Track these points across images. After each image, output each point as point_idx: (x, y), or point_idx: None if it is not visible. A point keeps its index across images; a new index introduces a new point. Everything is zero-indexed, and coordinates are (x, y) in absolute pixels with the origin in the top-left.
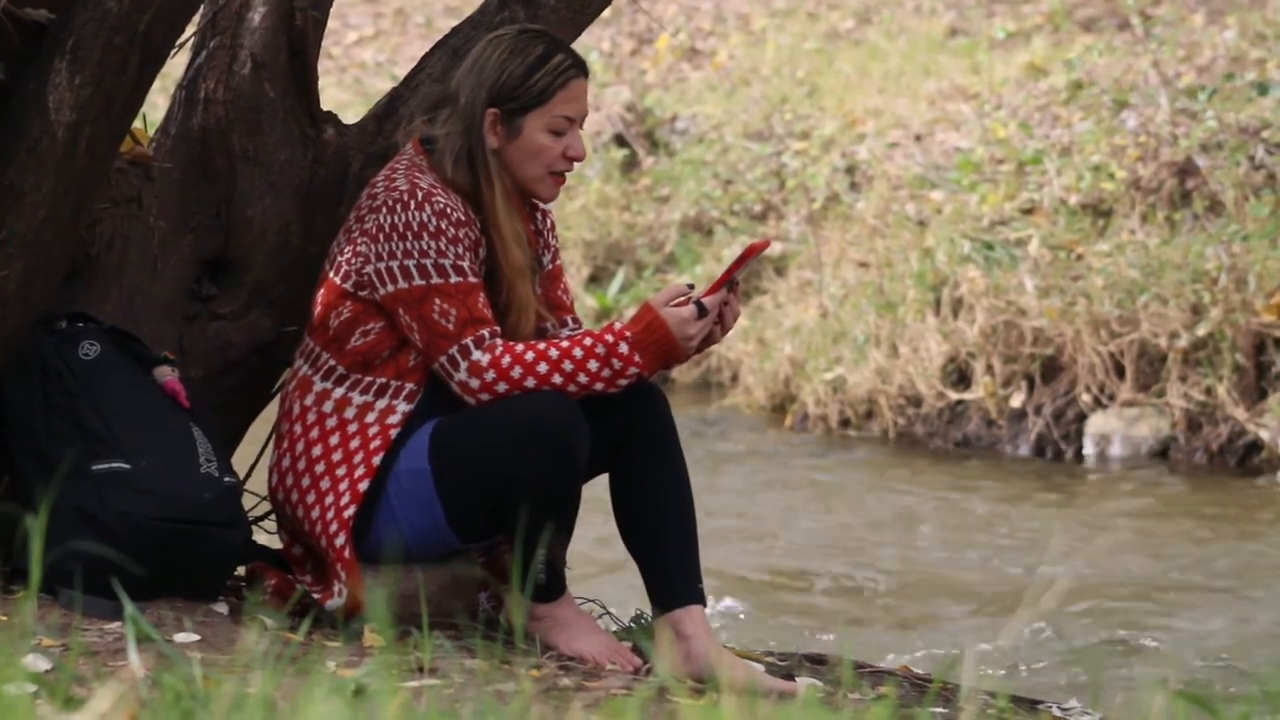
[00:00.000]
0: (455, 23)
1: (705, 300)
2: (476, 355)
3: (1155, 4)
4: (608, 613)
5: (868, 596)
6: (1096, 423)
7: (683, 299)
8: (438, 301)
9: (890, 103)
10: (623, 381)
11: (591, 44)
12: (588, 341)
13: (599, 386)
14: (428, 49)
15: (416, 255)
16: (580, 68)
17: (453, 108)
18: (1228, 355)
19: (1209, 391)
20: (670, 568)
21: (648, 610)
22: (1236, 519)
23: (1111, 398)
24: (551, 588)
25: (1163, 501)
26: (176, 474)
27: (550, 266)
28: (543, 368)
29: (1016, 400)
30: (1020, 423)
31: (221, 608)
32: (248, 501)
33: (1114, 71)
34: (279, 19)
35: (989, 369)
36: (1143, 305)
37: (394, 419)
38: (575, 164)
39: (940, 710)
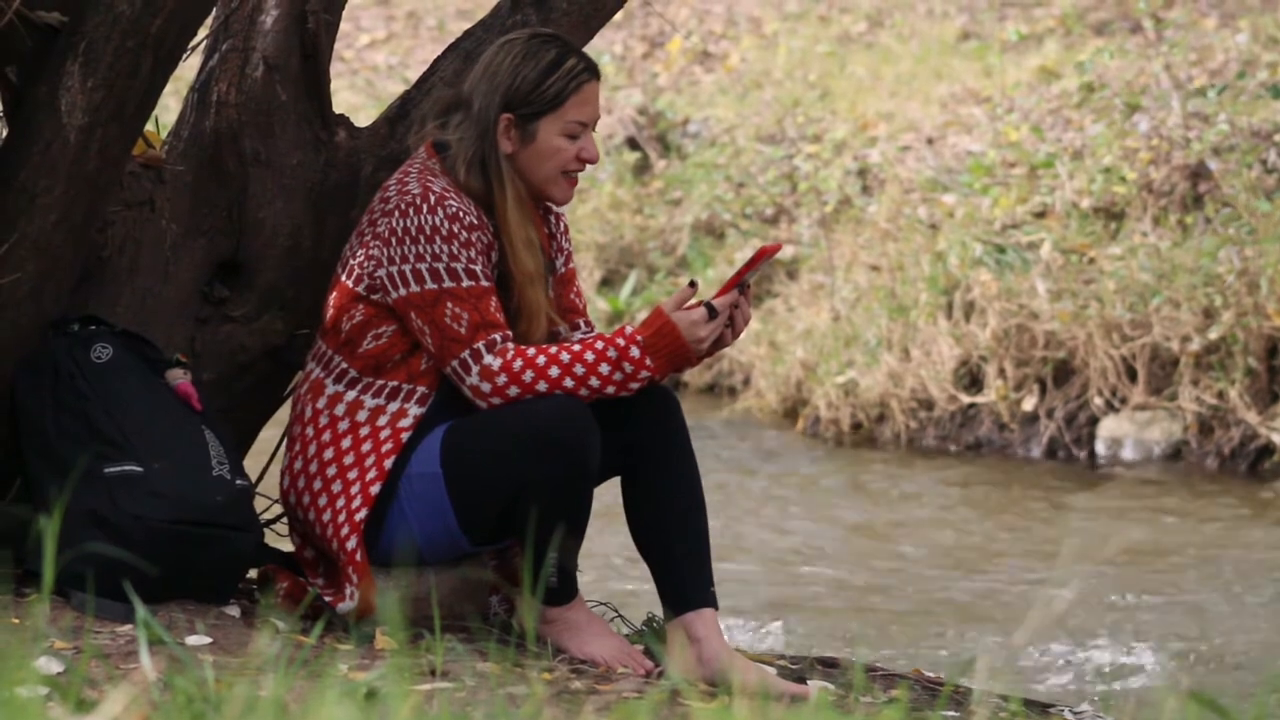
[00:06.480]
0: (467, 26)
1: (716, 302)
2: (488, 359)
3: (1167, 7)
4: (619, 616)
5: (880, 599)
6: (1108, 426)
7: (695, 302)
8: (450, 305)
9: (902, 106)
10: (634, 385)
11: (603, 47)
12: (599, 345)
13: (610, 390)
14: (440, 52)
15: (429, 259)
16: (592, 71)
17: (465, 113)
18: (1240, 359)
19: (1221, 395)
20: (682, 571)
21: (659, 613)
22: (1248, 522)
23: (1123, 401)
24: (563, 591)
25: (1174, 505)
26: (189, 477)
27: (563, 270)
28: (554, 371)
29: (1028, 404)
30: (1032, 426)
31: (233, 610)
32: (260, 504)
33: (1126, 75)
34: (291, 22)
35: (1001, 372)
36: (1155, 309)
37: (405, 422)
38: (588, 166)
39: (952, 714)
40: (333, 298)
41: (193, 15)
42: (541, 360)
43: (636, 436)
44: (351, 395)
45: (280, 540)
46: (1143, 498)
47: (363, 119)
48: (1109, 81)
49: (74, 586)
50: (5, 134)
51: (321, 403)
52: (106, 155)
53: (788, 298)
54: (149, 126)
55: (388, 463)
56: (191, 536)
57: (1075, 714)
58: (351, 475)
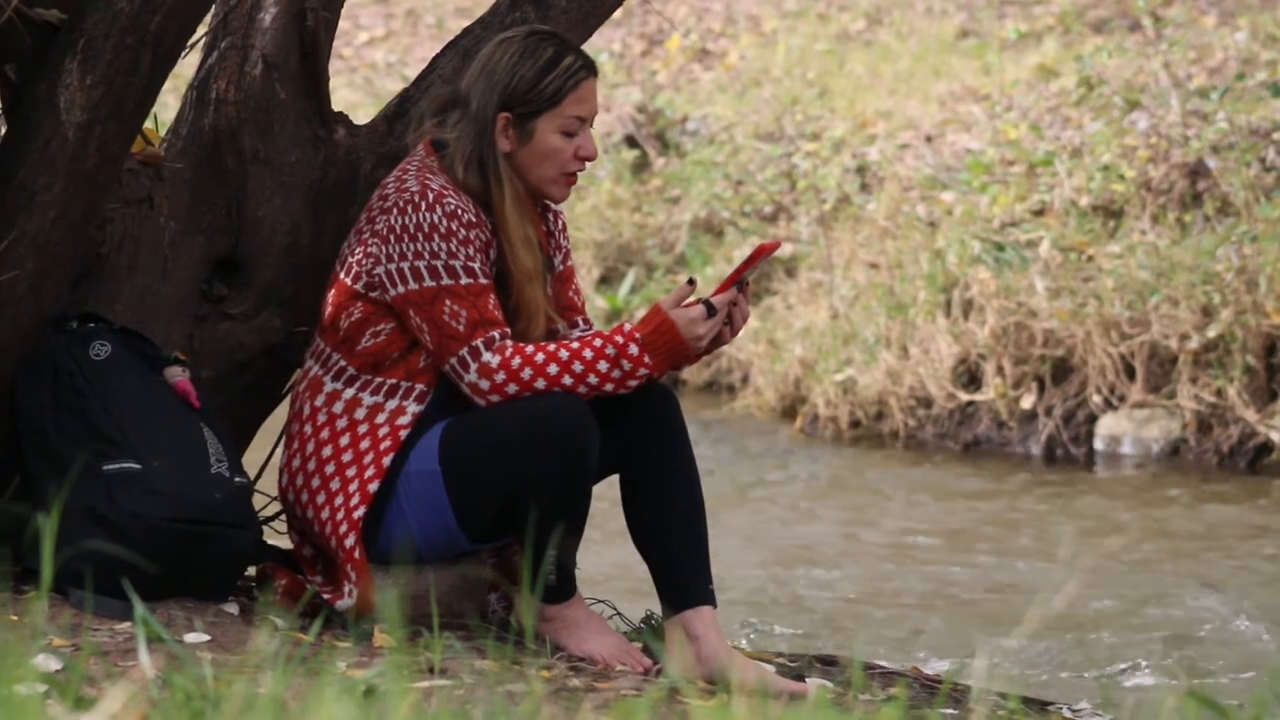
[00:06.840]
0: (466, 23)
1: (714, 300)
2: (487, 357)
3: (1166, 5)
4: (618, 614)
5: (878, 597)
6: (1107, 424)
7: (693, 300)
8: (448, 303)
9: (901, 104)
10: (633, 383)
11: (602, 45)
12: (597, 343)
13: (609, 387)
14: (439, 50)
15: (427, 256)
16: (590, 68)
17: (463, 111)
18: (1238, 357)
19: (1219, 393)
20: (681, 569)
21: (658, 611)
22: (1247, 520)
23: (1122, 399)
24: (562, 588)
25: (1173, 503)
26: (187, 474)
27: (562, 268)
28: (553, 369)
29: (1027, 401)
30: (1031, 424)
31: (232, 608)
32: (258, 502)
33: (1125, 73)
34: (290, 19)
35: (999, 370)
36: (1153, 307)
37: (404, 420)
38: (586, 164)
39: (951, 711)
40: (331, 295)
41: (192, 13)
42: (540, 358)
43: (635, 434)
44: (350, 393)
45: (279, 538)
46: (1141, 496)
47: (361, 117)
48: (1108, 79)
49: (73, 584)
50: (4, 131)
51: (320, 400)
52: (105, 153)
53: (786, 295)
54: (148, 124)
55: (386, 460)
56: (190, 534)
57: (1074, 712)
58: (350, 473)
